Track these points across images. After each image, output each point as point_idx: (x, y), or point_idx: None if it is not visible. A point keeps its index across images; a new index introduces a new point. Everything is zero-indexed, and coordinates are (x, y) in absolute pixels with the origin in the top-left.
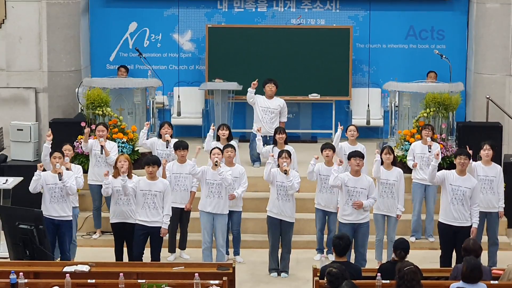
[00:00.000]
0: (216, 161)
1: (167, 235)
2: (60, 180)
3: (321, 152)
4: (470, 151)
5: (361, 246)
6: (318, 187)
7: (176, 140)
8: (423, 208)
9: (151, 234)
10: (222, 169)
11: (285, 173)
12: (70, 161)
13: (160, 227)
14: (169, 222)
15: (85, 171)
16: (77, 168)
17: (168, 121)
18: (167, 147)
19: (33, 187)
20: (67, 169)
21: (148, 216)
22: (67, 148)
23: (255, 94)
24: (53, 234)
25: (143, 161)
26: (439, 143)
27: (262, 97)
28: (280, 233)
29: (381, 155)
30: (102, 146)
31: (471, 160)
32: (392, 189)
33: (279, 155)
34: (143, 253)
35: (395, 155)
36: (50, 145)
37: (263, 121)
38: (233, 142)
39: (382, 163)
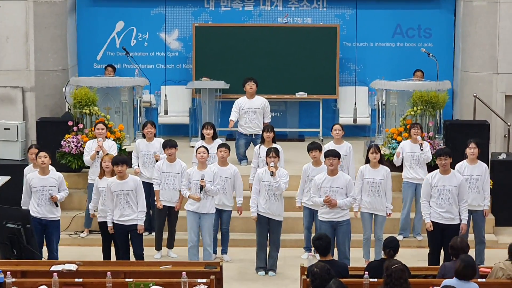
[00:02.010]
0: (201, 186)
1: (153, 233)
2: (57, 206)
3: (308, 152)
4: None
5: (342, 244)
6: (306, 187)
7: (162, 139)
8: (412, 207)
9: (130, 233)
10: (208, 186)
11: (272, 175)
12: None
13: (137, 224)
14: (144, 218)
15: (73, 170)
16: (60, 179)
17: (151, 120)
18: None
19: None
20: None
21: (124, 215)
22: (42, 155)
23: (238, 99)
24: (40, 234)
25: (112, 161)
26: (426, 141)
27: (243, 98)
28: (268, 231)
29: (368, 153)
30: (100, 146)
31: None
32: (379, 187)
33: (267, 154)
34: (129, 251)
35: (382, 153)
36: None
37: (247, 121)
38: (218, 141)
39: (368, 161)
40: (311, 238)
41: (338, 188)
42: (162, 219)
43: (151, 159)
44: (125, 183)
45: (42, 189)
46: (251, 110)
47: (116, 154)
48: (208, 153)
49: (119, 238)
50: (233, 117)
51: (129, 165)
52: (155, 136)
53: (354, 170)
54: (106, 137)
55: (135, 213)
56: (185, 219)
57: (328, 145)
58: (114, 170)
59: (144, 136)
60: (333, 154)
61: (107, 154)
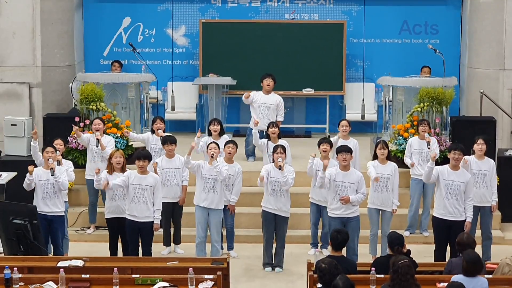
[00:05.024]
0: (212, 154)
1: (160, 230)
2: (52, 175)
3: (318, 146)
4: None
5: (351, 241)
6: (313, 182)
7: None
8: (420, 203)
9: (141, 230)
10: (218, 163)
11: (280, 169)
12: (62, 156)
13: (150, 222)
14: (160, 217)
15: (79, 166)
16: (68, 163)
17: (160, 116)
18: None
19: (26, 185)
20: (59, 162)
21: (138, 211)
22: (58, 142)
23: (251, 92)
24: (45, 229)
25: (134, 155)
26: (434, 138)
27: (260, 93)
28: (274, 227)
29: (375, 149)
30: (98, 140)
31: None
32: (387, 183)
33: (274, 150)
34: (138, 247)
35: (389, 149)
36: (37, 144)
37: (260, 117)
38: (225, 137)
39: (376, 157)
40: (323, 233)
41: (350, 183)
42: (167, 216)
43: (160, 154)
44: (145, 178)
45: (47, 183)
46: (265, 105)
47: (114, 149)
48: (219, 149)
49: (130, 235)
50: (254, 115)
51: (151, 160)
52: (164, 131)
53: (360, 166)
54: (102, 133)
55: (148, 211)
56: (192, 215)
57: (335, 141)
58: (136, 164)
59: (153, 132)
60: (346, 150)
61: (117, 149)
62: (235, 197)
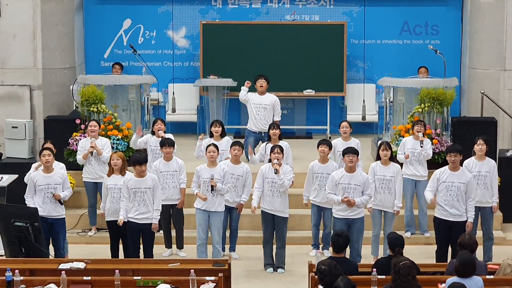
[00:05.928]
0: (212, 186)
1: (161, 232)
2: (62, 204)
3: (317, 147)
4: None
5: (356, 242)
6: (313, 185)
7: (168, 136)
8: (415, 203)
9: (142, 231)
10: (220, 189)
11: (276, 173)
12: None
13: (151, 223)
14: (159, 217)
15: (80, 168)
16: (60, 165)
17: (161, 117)
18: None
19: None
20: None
21: (137, 213)
22: (46, 153)
23: (247, 92)
24: (46, 232)
25: (131, 160)
26: (434, 138)
27: (255, 94)
28: (273, 228)
29: (378, 150)
30: (93, 147)
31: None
32: (389, 185)
33: (271, 150)
34: (139, 249)
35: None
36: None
37: (257, 118)
38: (227, 138)
39: (379, 158)
40: (324, 234)
41: (356, 185)
42: (166, 218)
43: (161, 155)
44: (144, 181)
45: (47, 187)
46: (261, 106)
47: (110, 151)
48: (218, 151)
49: (131, 236)
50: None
51: (147, 162)
52: (164, 133)
53: (362, 166)
54: (99, 135)
55: (149, 212)
56: (193, 217)
57: (336, 142)
58: (136, 169)
59: (153, 133)
60: (352, 151)
61: (115, 152)
62: (246, 197)
